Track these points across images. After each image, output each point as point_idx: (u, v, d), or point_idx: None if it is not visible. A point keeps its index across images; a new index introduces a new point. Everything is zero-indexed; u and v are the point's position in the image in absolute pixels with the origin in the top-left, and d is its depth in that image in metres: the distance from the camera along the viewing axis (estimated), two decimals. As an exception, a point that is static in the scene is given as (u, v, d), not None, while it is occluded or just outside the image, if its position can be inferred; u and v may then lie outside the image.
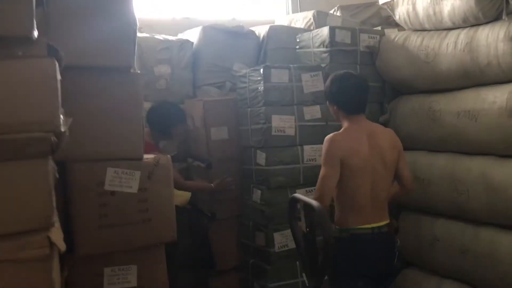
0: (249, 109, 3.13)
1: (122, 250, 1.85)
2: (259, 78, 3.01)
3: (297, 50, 3.46)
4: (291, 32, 3.74)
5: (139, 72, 1.97)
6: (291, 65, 3.07)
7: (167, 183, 1.89)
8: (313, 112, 3.07)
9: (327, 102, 2.47)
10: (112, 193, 1.79)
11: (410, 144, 3.09)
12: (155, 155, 1.94)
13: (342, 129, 2.36)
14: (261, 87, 2.99)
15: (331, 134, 2.29)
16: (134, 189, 1.81)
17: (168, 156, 1.92)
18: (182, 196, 3.06)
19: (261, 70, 2.98)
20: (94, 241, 1.79)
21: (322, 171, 2.24)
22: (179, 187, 2.86)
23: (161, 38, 3.54)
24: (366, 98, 2.39)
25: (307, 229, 2.16)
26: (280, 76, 3.00)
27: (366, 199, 2.24)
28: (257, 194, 3.10)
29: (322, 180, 2.22)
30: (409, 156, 3.05)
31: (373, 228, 2.24)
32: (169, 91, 3.46)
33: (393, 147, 2.36)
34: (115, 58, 1.74)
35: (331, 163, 2.22)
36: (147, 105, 2.97)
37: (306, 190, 3.00)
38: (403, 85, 3.15)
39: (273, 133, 2.96)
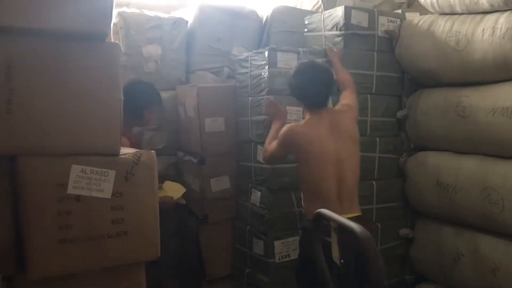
0: (250, 98, 2.80)
1: (90, 271, 1.47)
2: (263, 63, 2.66)
3: (305, 34, 3.13)
4: (298, 13, 3.39)
5: (117, 42, 1.55)
6: (300, 49, 2.71)
7: (149, 186, 1.50)
8: (323, 103, 2.70)
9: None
10: (78, 198, 1.40)
11: (432, 143, 2.80)
12: (136, 150, 1.54)
13: (304, 120, 2.36)
14: (265, 73, 2.65)
15: (290, 125, 2.31)
16: (106, 193, 1.43)
17: (152, 151, 1.52)
18: (175, 192, 2.69)
19: (266, 53, 2.64)
20: (53, 259, 1.39)
21: (276, 149, 2.32)
22: None
23: (152, 15, 3.17)
24: (328, 93, 2.34)
25: (342, 261, 1.71)
26: (287, 61, 2.64)
27: (330, 191, 2.20)
28: (256, 196, 2.77)
29: (272, 156, 2.37)
30: (432, 157, 2.76)
31: None
32: (159, 74, 3.12)
33: (356, 123, 2.38)
34: (85, 21, 1.31)
35: (283, 148, 2.31)
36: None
37: (313, 193, 2.65)
38: (426, 76, 2.81)
39: (277, 126, 2.60)
